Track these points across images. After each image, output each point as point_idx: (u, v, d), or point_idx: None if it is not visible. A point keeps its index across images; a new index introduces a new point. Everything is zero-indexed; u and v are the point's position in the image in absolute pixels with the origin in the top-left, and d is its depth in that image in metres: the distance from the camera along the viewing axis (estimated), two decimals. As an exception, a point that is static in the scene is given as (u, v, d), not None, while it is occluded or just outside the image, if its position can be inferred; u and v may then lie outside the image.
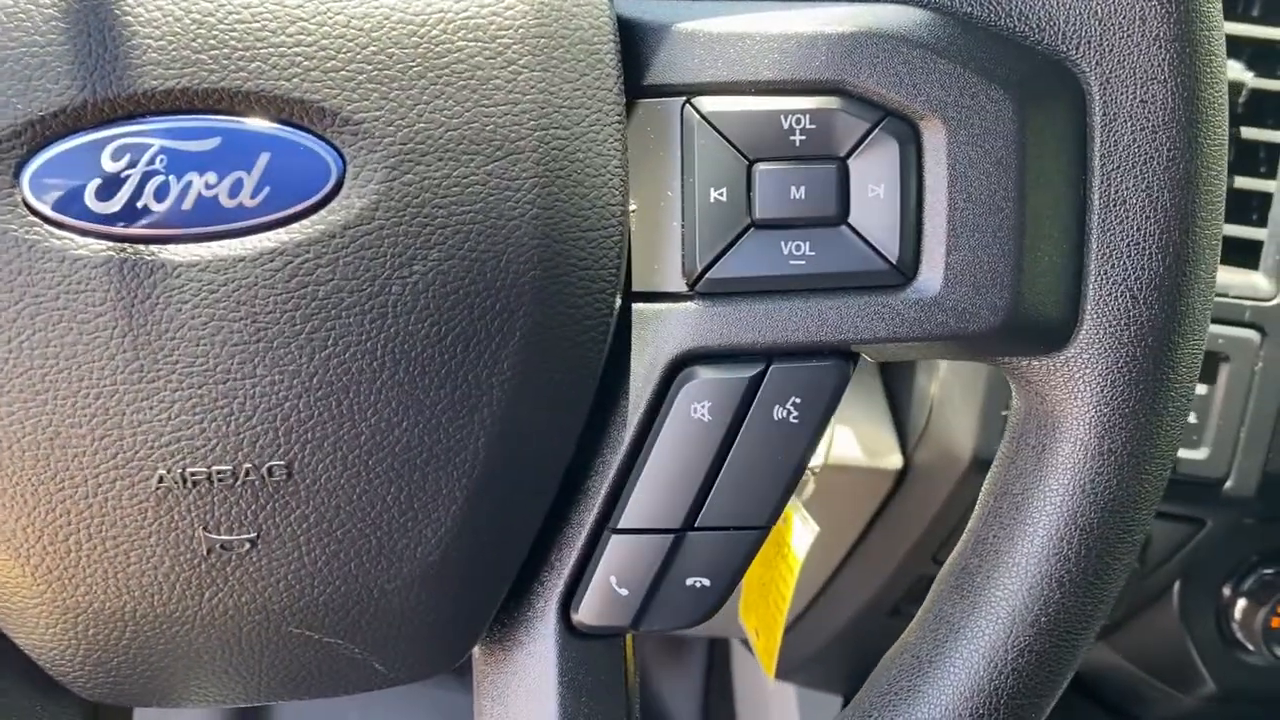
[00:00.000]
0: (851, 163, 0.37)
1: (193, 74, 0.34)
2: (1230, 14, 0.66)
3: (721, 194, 0.38)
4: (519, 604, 0.42)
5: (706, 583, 0.40)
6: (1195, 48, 0.36)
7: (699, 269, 0.38)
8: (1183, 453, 0.67)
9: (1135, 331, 0.38)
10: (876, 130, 0.37)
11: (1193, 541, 0.71)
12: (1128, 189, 0.37)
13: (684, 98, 0.38)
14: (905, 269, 0.38)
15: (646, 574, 0.40)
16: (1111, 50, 0.37)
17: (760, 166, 0.38)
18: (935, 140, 0.37)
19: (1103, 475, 0.39)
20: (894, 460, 0.75)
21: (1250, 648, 0.74)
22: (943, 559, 0.78)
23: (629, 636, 0.44)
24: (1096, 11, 0.37)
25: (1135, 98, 0.37)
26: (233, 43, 0.34)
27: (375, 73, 0.34)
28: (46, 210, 0.34)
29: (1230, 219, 0.66)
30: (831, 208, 0.38)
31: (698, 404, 0.39)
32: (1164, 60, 0.36)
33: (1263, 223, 0.65)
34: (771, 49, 0.37)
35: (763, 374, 0.39)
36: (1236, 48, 0.65)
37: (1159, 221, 0.37)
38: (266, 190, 0.34)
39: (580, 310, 0.37)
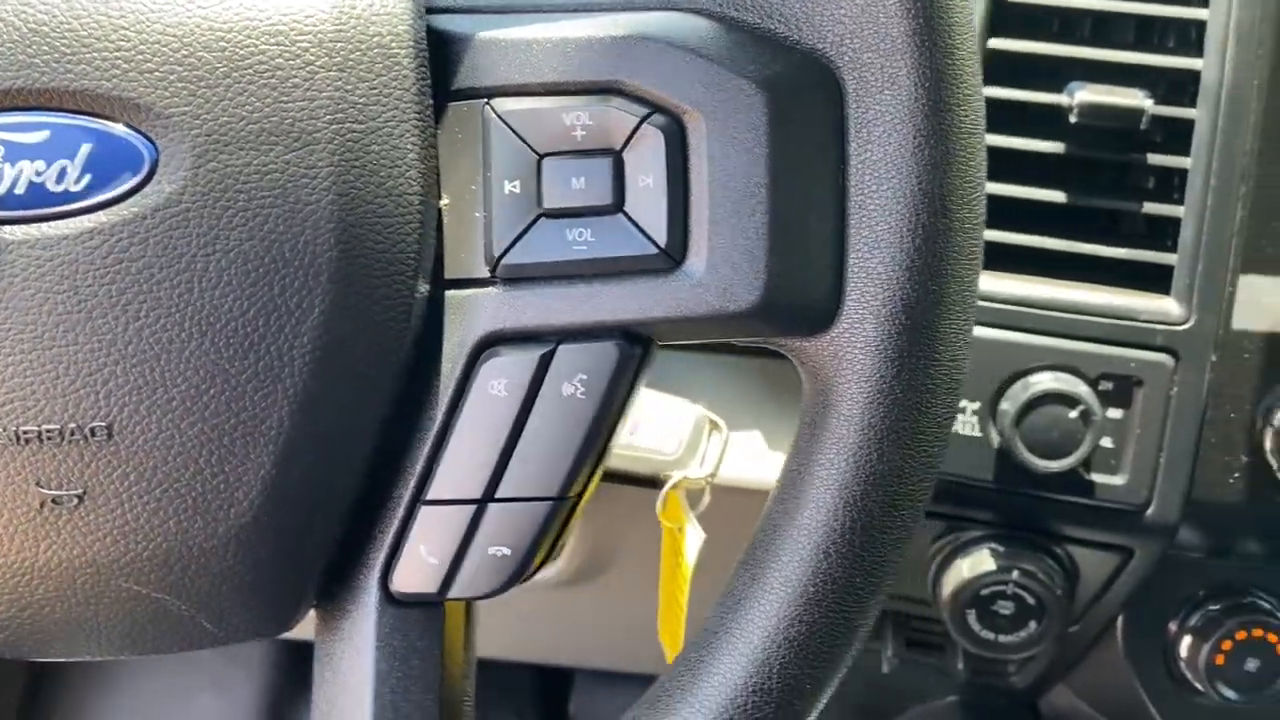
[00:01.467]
0: (625, 155, 0.40)
1: (27, 75, 0.38)
2: (1146, 46, 0.68)
3: (515, 186, 0.41)
4: (346, 573, 0.44)
5: (507, 551, 0.43)
6: (935, 44, 0.39)
7: (496, 256, 0.41)
8: (1100, 478, 0.66)
9: (891, 310, 0.40)
10: (644, 124, 0.40)
11: (1124, 573, 0.70)
12: (879, 176, 0.39)
13: (485, 100, 0.42)
14: (674, 253, 0.40)
15: (452, 543, 0.43)
16: (861, 48, 0.39)
17: (547, 160, 0.41)
18: (697, 133, 0.40)
19: (865, 449, 0.40)
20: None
21: (1199, 687, 0.72)
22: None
23: (464, 609, 0.46)
24: (846, 13, 0.39)
25: (882, 91, 0.39)
26: (62, 48, 0.39)
27: (185, 72, 0.39)
28: None
29: (1142, 244, 0.67)
30: (608, 197, 0.41)
31: (495, 381, 0.42)
32: (906, 57, 0.39)
33: (1174, 248, 0.65)
34: (555, 54, 0.41)
35: (552, 353, 0.41)
36: (1151, 78, 0.66)
37: (910, 206, 0.39)
38: (88, 177, 0.39)
39: (379, 291, 0.41)
